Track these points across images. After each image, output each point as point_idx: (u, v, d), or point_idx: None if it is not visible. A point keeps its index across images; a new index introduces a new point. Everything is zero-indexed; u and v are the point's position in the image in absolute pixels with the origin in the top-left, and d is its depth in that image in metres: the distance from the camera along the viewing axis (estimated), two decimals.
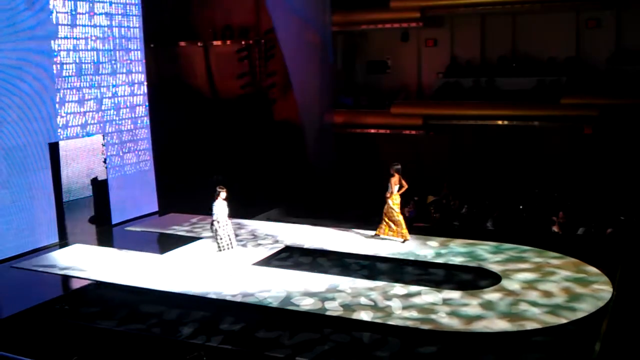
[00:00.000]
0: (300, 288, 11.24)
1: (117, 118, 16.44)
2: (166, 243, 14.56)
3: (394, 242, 13.60)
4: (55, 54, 14.74)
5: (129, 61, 16.73)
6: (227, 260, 12.49)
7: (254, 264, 12.69)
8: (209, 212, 16.07)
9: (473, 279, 11.84)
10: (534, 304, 10.38)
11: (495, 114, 19.41)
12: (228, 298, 10.97)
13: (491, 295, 10.81)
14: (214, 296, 11.07)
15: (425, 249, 13.19)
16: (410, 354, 9.13)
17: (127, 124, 16.77)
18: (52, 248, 14.41)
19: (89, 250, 14.19)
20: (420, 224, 16.32)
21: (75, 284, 12.30)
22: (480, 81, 20.28)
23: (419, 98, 21.63)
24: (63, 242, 14.83)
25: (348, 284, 11.39)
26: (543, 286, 11.10)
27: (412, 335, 9.55)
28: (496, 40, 20.69)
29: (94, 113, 15.81)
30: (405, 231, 13.66)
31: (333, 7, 20.74)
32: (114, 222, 16.26)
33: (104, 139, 16.28)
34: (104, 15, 15.92)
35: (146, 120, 17.36)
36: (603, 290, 10.86)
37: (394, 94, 21.65)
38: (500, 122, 19.38)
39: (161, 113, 18.69)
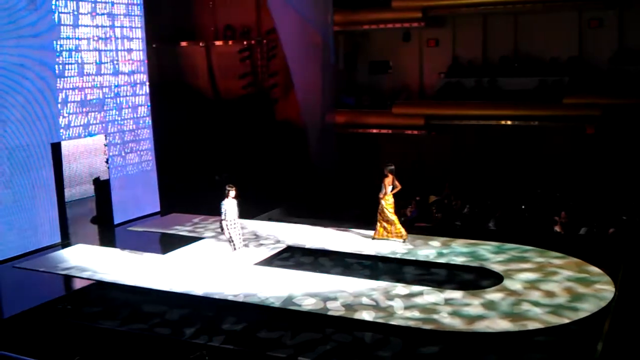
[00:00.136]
0: (302, 288, 11.24)
1: (119, 118, 16.46)
2: (168, 243, 14.57)
3: (395, 242, 13.59)
4: (58, 54, 14.77)
5: (131, 61, 16.75)
6: (229, 260, 12.49)
7: (255, 264, 12.69)
8: (210, 212, 16.18)
9: (475, 279, 11.83)
10: (536, 304, 10.37)
11: (497, 114, 19.40)
12: (230, 298, 10.97)
13: (493, 295, 10.80)
14: (216, 296, 11.07)
15: (427, 249, 13.18)
16: (412, 354, 9.13)
17: (129, 124, 16.79)
18: (55, 248, 14.43)
19: (91, 250, 14.21)
20: (422, 223, 16.32)
21: (78, 284, 12.32)
22: (482, 81, 20.27)
23: (420, 98, 21.63)
24: (65, 242, 14.85)
25: (350, 284, 11.40)
26: (545, 286, 11.09)
27: (414, 335, 9.54)
28: (498, 40, 20.69)
29: (96, 113, 15.83)
30: (400, 230, 13.64)
31: (335, 7, 20.74)
32: (116, 222, 16.27)
33: (106, 139, 16.29)
34: (106, 16, 15.93)
35: (148, 120, 17.38)
36: (605, 290, 10.84)
37: (395, 94, 21.65)
38: (502, 122, 19.37)
39: (163, 113, 18.71)
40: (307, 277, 11.86)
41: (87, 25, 15.43)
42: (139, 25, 16.93)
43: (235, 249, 12.11)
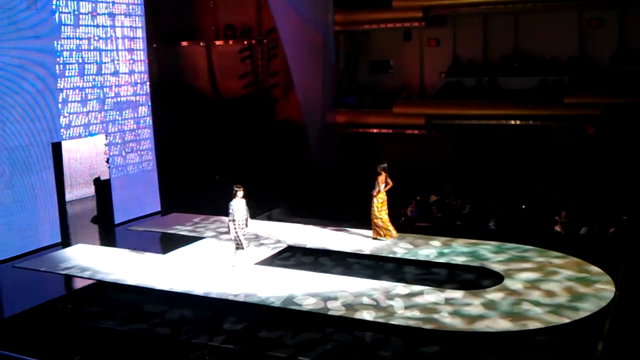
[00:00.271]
0: (303, 288, 11.24)
1: (119, 118, 16.46)
2: (169, 243, 14.57)
3: (395, 242, 13.59)
4: (58, 54, 14.78)
5: (131, 61, 16.75)
6: (230, 260, 12.49)
7: (256, 264, 12.69)
8: (210, 211, 16.20)
9: (475, 278, 11.83)
10: (536, 303, 10.37)
11: (497, 113, 19.40)
12: (230, 298, 10.98)
13: (493, 294, 10.80)
14: (216, 296, 11.08)
15: (427, 249, 13.18)
16: (413, 353, 9.13)
17: (129, 124, 16.79)
18: (55, 248, 14.43)
19: (92, 250, 14.21)
20: (422, 223, 16.33)
21: (78, 284, 12.32)
22: (482, 81, 20.27)
23: (421, 98, 21.64)
24: (66, 241, 14.86)
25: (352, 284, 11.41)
26: (545, 286, 11.09)
27: (415, 335, 9.54)
28: (499, 40, 20.69)
29: (97, 113, 15.84)
30: (388, 230, 13.69)
31: (335, 7, 20.76)
32: (116, 221, 16.27)
33: (106, 138, 16.30)
34: (106, 16, 15.94)
35: (149, 120, 17.38)
36: (605, 289, 10.84)
37: (396, 93, 21.65)
38: (503, 122, 19.36)
39: (164, 113, 18.72)
40: (308, 277, 11.86)
41: (87, 25, 15.44)
42: (140, 25, 16.94)
43: (243, 249, 12.00)
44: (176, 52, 23.74)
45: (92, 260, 13.29)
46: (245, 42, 22.82)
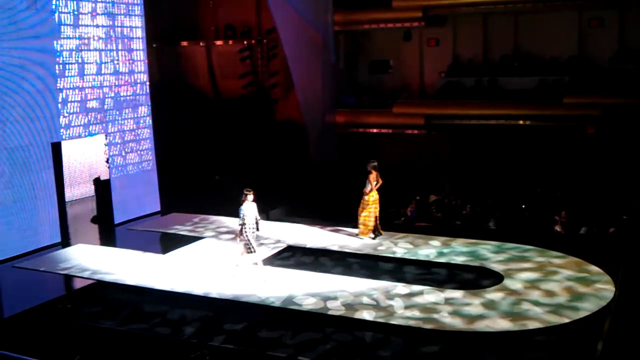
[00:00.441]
0: (303, 288, 11.24)
1: (119, 118, 16.46)
2: (168, 243, 14.57)
3: (395, 242, 13.59)
4: (58, 53, 14.77)
5: (131, 61, 16.75)
6: (231, 260, 12.49)
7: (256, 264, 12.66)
8: (212, 212, 16.20)
9: (475, 278, 11.83)
10: (536, 303, 10.37)
11: (497, 113, 19.41)
12: (230, 297, 10.98)
13: (493, 294, 10.80)
14: (216, 296, 11.08)
15: (427, 249, 13.18)
16: (413, 353, 9.13)
17: (129, 123, 16.79)
18: (55, 248, 14.43)
19: (92, 250, 14.21)
20: (422, 223, 16.33)
21: (78, 284, 12.31)
22: (482, 81, 20.28)
23: (421, 97, 21.65)
24: (65, 241, 14.85)
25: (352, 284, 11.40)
26: (545, 285, 11.09)
27: (415, 335, 9.54)
28: (498, 40, 20.70)
29: (97, 113, 15.83)
30: (366, 227, 13.79)
31: (335, 7, 20.77)
32: (116, 221, 16.27)
33: (106, 138, 16.30)
34: (106, 16, 15.93)
35: (148, 120, 17.37)
36: (605, 289, 10.84)
37: (396, 93, 21.66)
38: (502, 122, 19.37)
39: (163, 113, 18.70)
40: (308, 277, 11.86)
41: (87, 25, 15.43)
42: (140, 25, 16.93)
43: (253, 252, 11.96)
44: (176, 52, 23.74)
45: (91, 260, 13.29)
46: (245, 42, 22.82)
